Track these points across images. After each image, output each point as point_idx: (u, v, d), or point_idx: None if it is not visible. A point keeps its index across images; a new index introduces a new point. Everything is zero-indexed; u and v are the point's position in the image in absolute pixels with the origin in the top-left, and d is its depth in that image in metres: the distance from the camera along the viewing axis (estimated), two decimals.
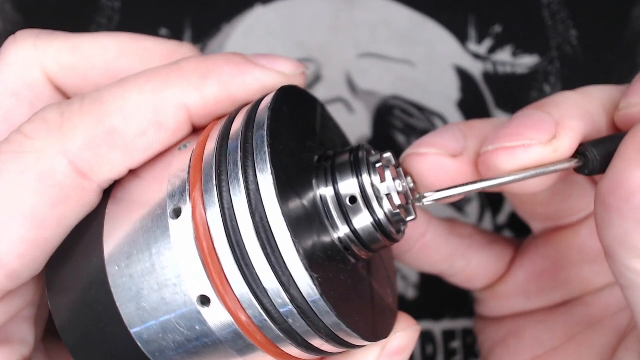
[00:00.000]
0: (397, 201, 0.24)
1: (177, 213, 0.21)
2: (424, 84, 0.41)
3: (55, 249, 0.23)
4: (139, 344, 0.22)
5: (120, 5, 0.42)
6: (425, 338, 0.40)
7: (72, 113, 0.22)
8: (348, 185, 0.23)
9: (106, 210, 0.22)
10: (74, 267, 0.22)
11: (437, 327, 0.40)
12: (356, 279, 0.24)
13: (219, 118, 0.24)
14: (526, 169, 0.24)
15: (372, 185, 0.23)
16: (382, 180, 0.23)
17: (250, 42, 0.41)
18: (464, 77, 0.41)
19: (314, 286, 0.20)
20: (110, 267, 0.21)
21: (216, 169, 0.21)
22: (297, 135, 0.23)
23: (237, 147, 0.21)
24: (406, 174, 0.26)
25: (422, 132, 0.41)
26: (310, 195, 0.23)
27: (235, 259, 0.20)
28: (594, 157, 0.24)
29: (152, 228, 0.21)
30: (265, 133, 0.21)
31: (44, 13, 0.42)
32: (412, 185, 0.26)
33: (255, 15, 0.42)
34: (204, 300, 0.21)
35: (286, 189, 0.21)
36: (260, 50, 0.41)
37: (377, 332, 0.24)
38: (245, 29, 0.42)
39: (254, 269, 0.20)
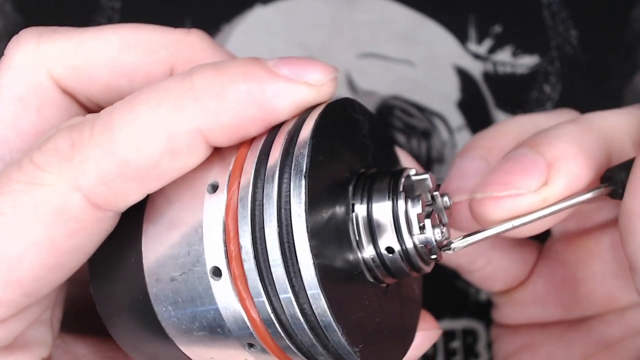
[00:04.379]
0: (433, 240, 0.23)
1: (216, 273, 0.22)
2: (424, 84, 0.41)
3: (74, 270, 0.23)
4: None
5: (120, 5, 0.42)
6: None
7: (83, 143, 0.21)
8: (386, 240, 0.23)
9: (142, 236, 0.23)
10: (118, 293, 0.24)
11: None
12: (379, 301, 0.24)
13: (247, 142, 0.23)
14: (557, 203, 0.23)
15: (412, 239, 0.23)
16: (422, 232, 0.23)
17: (250, 42, 0.41)
18: (464, 77, 0.41)
19: (346, 344, 0.21)
20: (158, 307, 0.23)
21: (252, 225, 0.21)
22: (337, 163, 0.23)
23: (272, 200, 0.21)
24: (442, 195, 0.25)
25: (422, 132, 0.41)
26: (345, 238, 0.23)
27: (280, 327, 0.22)
28: (623, 180, 0.23)
29: (194, 284, 0.22)
30: (303, 191, 0.21)
31: (44, 13, 0.42)
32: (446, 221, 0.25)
33: (255, 15, 0.42)
34: (250, 345, 0.22)
35: (320, 233, 0.21)
36: (261, 51, 0.41)
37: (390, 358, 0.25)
38: (245, 29, 0.42)
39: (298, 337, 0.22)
